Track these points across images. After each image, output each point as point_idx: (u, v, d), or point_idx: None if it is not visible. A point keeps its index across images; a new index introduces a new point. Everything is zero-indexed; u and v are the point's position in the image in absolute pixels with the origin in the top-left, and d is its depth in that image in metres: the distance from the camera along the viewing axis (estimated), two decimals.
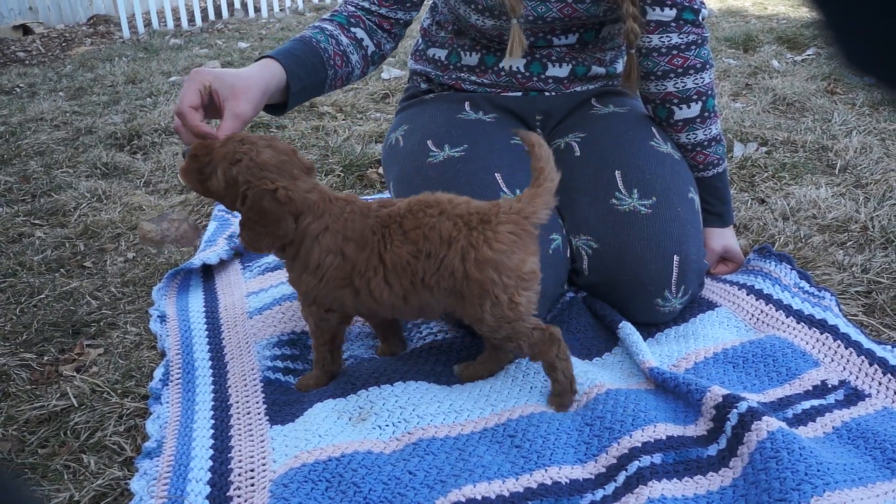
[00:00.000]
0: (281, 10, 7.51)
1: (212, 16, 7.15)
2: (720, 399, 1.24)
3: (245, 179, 1.26)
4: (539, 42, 1.75)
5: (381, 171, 2.60)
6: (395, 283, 1.27)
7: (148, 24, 6.83)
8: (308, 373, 1.45)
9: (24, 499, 0.57)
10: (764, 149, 2.67)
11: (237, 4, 7.44)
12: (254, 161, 1.26)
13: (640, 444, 1.19)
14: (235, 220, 2.22)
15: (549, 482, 1.14)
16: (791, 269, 1.72)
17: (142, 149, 3.06)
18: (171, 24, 6.77)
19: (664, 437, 1.21)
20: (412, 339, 1.54)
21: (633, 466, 1.15)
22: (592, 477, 1.17)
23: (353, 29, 1.68)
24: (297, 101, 1.57)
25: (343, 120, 3.31)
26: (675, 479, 1.14)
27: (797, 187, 2.30)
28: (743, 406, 1.21)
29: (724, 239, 1.77)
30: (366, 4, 1.71)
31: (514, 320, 1.26)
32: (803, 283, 1.68)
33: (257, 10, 7.41)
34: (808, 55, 4.13)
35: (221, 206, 2.30)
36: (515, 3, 1.58)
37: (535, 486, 1.14)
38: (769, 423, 1.16)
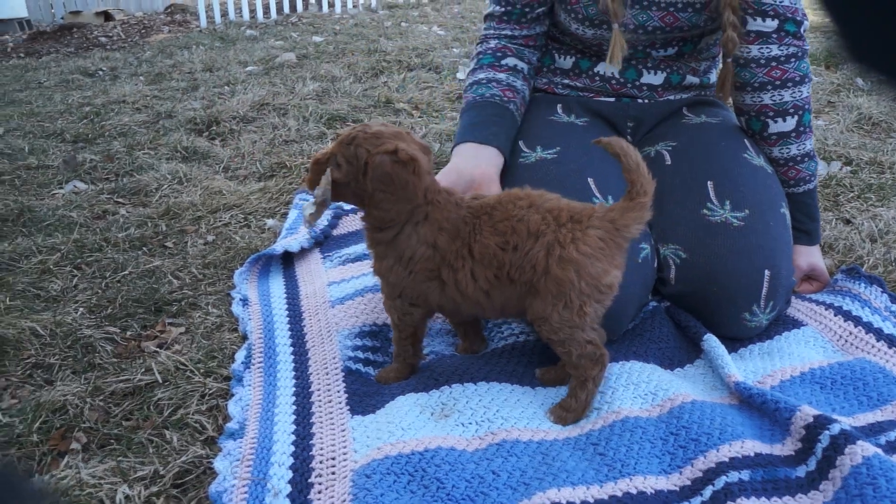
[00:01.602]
0: (354, 6, 7.58)
1: (286, 9, 7.26)
2: (811, 419, 1.21)
3: (364, 150, 1.26)
4: (638, 55, 1.74)
5: None
6: (481, 275, 1.27)
7: (224, 14, 6.97)
8: (388, 366, 1.45)
9: (27, 494, 0.56)
10: (848, 168, 2.59)
11: None
12: (367, 132, 1.27)
13: (727, 459, 1.17)
14: None
15: (633, 491, 1.13)
16: (882, 293, 1.66)
17: (220, 135, 3.12)
18: (246, 15, 6.89)
19: (752, 454, 1.18)
20: (493, 338, 1.54)
21: (721, 482, 1.12)
22: (677, 489, 1.15)
23: (503, 61, 1.74)
24: (509, 152, 1.67)
25: (419, 117, 3.32)
26: (763, 498, 1.11)
27: (884, 209, 2.23)
28: (835, 428, 1.17)
29: (811, 257, 1.73)
30: (507, 32, 1.76)
31: (576, 327, 1.24)
32: (895, 307, 1.63)
33: (331, 5, 7.50)
34: None
35: (303, 195, 2.33)
36: (618, 7, 1.57)
37: (619, 494, 1.12)
38: (864, 448, 1.12)
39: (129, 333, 1.68)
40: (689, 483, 1.16)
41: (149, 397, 1.43)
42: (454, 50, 4.91)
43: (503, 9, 1.75)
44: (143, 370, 1.51)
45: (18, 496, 0.48)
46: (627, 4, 1.63)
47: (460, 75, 4.04)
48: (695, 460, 1.18)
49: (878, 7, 0.37)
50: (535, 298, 1.25)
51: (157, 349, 1.60)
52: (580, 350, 1.26)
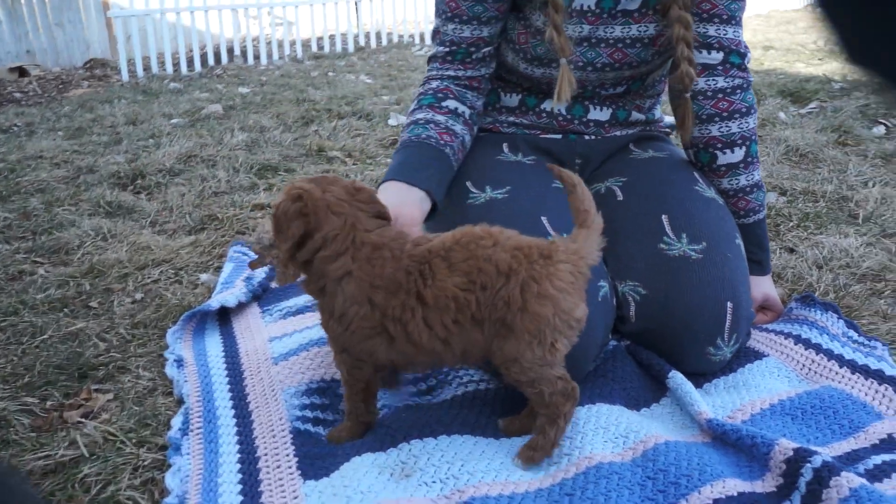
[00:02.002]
0: (280, 57, 7.52)
1: (211, 62, 7.15)
2: (791, 453, 1.16)
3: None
4: (587, 93, 1.71)
5: None
6: (437, 322, 1.18)
7: (147, 68, 6.81)
8: (340, 424, 1.35)
9: (26, 498, 0.52)
10: (784, 198, 2.62)
11: (237, 51, 7.45)
12: (311, 196, 1.21)
13: (710, 502, 1.10)
14: None
15: None
16: (838, 319, 1.65)
17: (146, 188, 2.98)
18: (170, 69, 6.75)
19: (735, 494, 1.12)
20: (452, 384, 1.45)
21: None
22: None
23: (444, 103, 1.65)
24: (441, 196, 1.57)
25: (353, 164, 3.25)
26: None
27: (824, 237, 2.25)
28: (817, 460, 1.12)
29: (763, 287, 1.71)
30: (451, 73, 1.68)
31: (547, 364, 1.18)
32: (851, 333, 1.61)
33: (256, 57, 7.43)
34: (812, 108, 4.13)
35: (237, 248, 2.21)
36: (565, 44, 1.53)
37: None
38: (850, 480, 1.07)
39: (49, 404, 1.53)
40: None
41: (73, 474, 1.29)
42: (384, 97, 4.88)
43: (447, 49, 1.68)
44: (66, 444, 1.37)
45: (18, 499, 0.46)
46: (575, 41, 1.60)
47: (392, 122, 4.00)
48: None
49: (876, 11, 0.36)
50: (506, 339, 1.17)
51: (82, 419, 1.45)
52: (552, 388, 1.19)
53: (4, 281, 2.13)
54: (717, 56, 1.58)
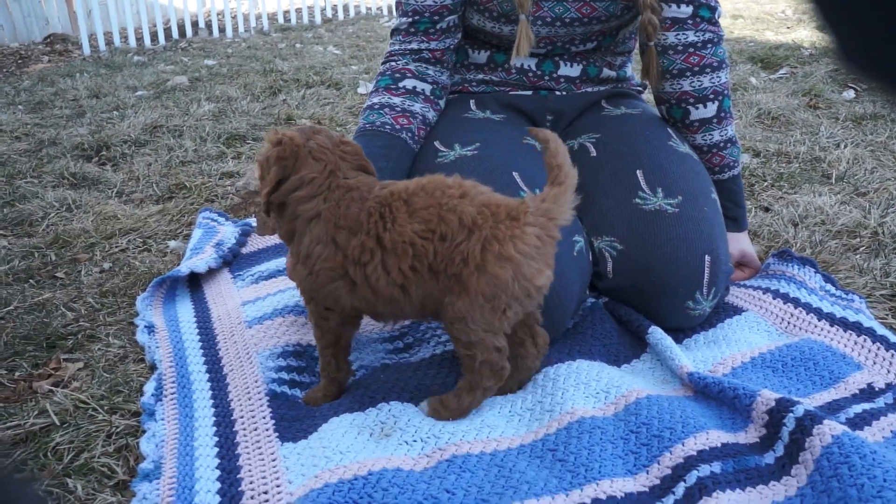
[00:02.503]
0: (246, 30, 7.38)
1: (175, 35, 6.99)
2: (773, 403, 1.15)
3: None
4: (556, 50, 1.68)
5: None
6: (394, 267, 1.15)
7: (109, 42, 6.64)
8: (316, 385, 1.32)
9: (26, 497, 0.52)
10: (757, 159, 2.62)
11: (202, 24, 7.30)
12: (292, 141, 1.22)
13: (694, 453, 1.09)
14: (222, 226, 2.08)
15: (602, 497, 1.04)
16: (815, 273, 1.65)
17: (111, 160, 2.90)
18: (133, 42, 6.59)
19: (719, 445, 1.11)
20: (428, 344, 1.43)
21: (692, 476, 1.05)
22: (647, 489, 1.06)
23: (401, 83, 1.61)
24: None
25: None
26: (738, 490, 1.04)
27: (798, 196, 2.25)
28: (799, 410, 1.12)
29: (740, 243, 1.70)
30: (413, 46, 1.64)
31: (491, 331, 1.14)
32: (829, 287, 1.62)
33: (222, 30, 7.28)
34: (783, 74, 4.14)
35: (206, 213, 2.16)
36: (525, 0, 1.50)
37: (588, 501, 1.03)
38: (832, 427, 1.07)
39: (17, 374, 1.48)
40: (658, 482, 1.08)
41: (45, 443, 1.25)
42: (352, 67, 4.81)
43: (410, 19, 1.63)
44: (35, 412, 1.33)
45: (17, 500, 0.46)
46: None
47: (361, 90, 3.94)
48: (660, 457, 1.11)
49: (872, 12, 0.36)
50: (458, 297, 1.13)
51: (53, 388, 1.41)
52: (485, 356, 1.15)
53: None
54: (686, 10, 1.56)
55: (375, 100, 1.61)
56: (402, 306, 1.20)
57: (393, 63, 1.65)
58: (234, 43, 6.56)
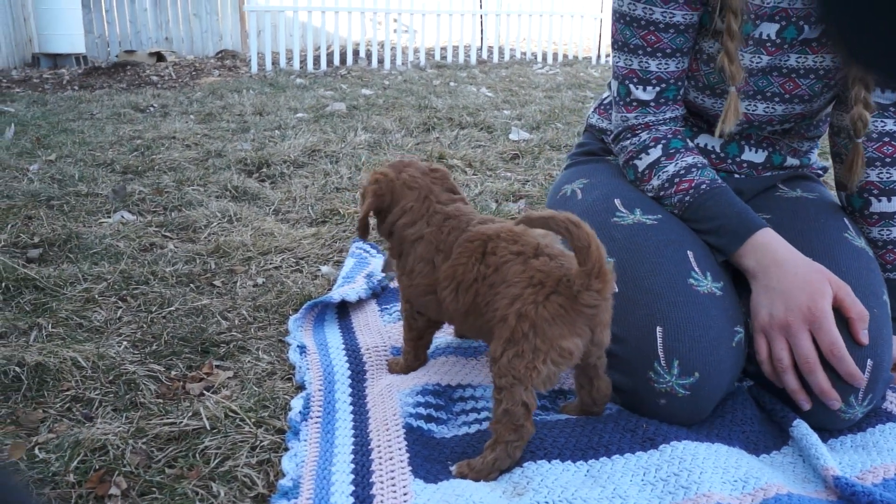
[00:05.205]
0: (403, 63, 7.66)
1: (336, 62, 7.34)
2: None
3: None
4: (750, 130, 1.65)
5: None
6: (462, 297, 1.32)
7: (275, 62, 7.05)
8: (397, 357, 1.59)
9: (24, 499, 0.54)
10: None
11: (361, 54, 7.63)
12: (386, 177, 1.44)
13: None
14: (374, 259, 2.16)
15: None
16: None
17: (270, 177, 3.07)
18: (297, 65, 6.97)
19: None
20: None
21: None
22: None
23: (690, 143, 1.61)
24: None
25: (473, 174, 3.26)
26: None
27: None
28: None
29: None
30: (669, 115, 1.60)
31: (520, 380, 1.18)
32: None
33: (380, 61, 7.58)
34: None
35: (359, 244, 2.25)
36: (736, 71, 1.47)
37: None
38: None
39: (173, 373, 1.58)
40: None
41: (195, 444, 1.33)
42: (504, 111, 4.89)
43: (657, 88, 1.57)
44: (189, 414, 1.41)
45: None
46: (751, 72, 1.54)
47: (513, 136, 3.99)
48: None
49: (877, 9, 0.37)
50: (492, 337, 1.26)
51: (204, 392, 1.50)
52: (509, 405, 1.19)
53: (137, 251, 2.23)
54: (890, 96, 1.50)
55: (689, 160, 1.55)
56: (467, 329, 1.40)
57: (664, 128, 1.60)
58: (390, 75, 6.82)
